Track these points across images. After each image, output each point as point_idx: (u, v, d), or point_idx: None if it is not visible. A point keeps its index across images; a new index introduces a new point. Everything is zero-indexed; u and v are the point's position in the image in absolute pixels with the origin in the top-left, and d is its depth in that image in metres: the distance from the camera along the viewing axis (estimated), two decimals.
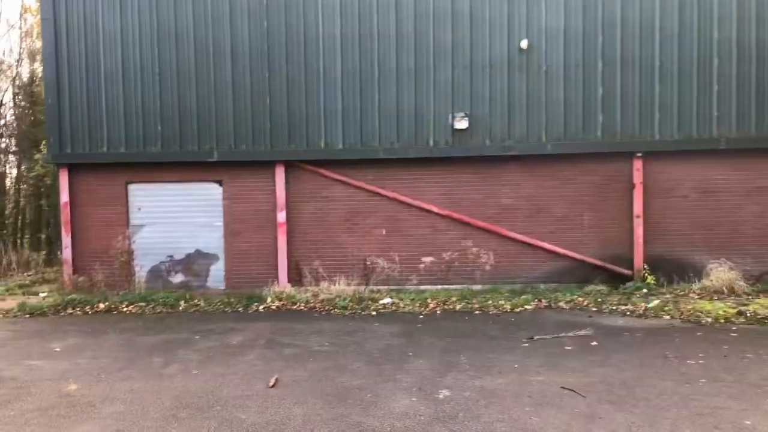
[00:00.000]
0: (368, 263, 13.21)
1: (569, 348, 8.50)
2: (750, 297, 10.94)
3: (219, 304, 11.77)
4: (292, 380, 7.31)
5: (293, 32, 13.34)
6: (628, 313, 10.44)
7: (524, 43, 13.00)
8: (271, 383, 7.11)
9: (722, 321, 9.65)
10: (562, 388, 6.89)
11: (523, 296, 11.44)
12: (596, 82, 13.03)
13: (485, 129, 13.20)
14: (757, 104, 12.69)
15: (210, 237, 13.60)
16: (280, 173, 13.37)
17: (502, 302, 11.19)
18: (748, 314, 9.81)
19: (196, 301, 11.93)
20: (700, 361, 7.78)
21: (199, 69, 13.40)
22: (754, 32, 12.67)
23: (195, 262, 13.68)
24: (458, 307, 11.09)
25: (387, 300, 11.37)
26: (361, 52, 13.23)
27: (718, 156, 12.87)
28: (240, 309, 11.63)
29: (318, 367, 7.83)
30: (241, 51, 13.35)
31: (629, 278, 12.76)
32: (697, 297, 11.10)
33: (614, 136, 13.04)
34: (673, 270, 12.65)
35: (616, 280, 12.74)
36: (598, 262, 13.07)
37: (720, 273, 11.36)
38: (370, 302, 11.32)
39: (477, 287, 12.93)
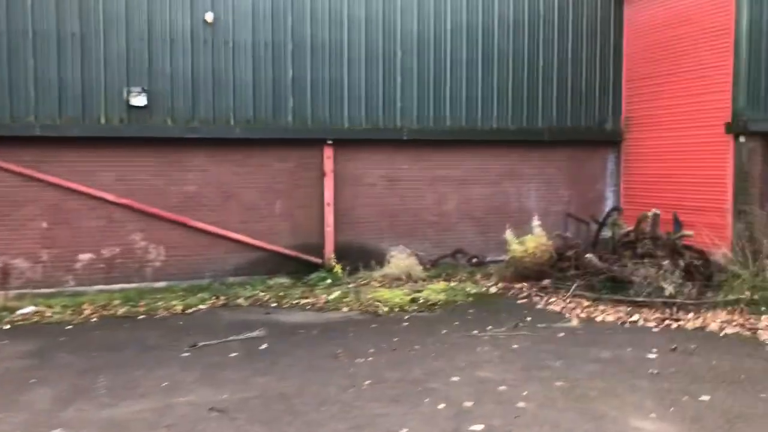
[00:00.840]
0: (8, 264, 10.73)
1: (235, 354, 7.37)
2: (425, 282, 10.86)
3: None
4: None
5: None
6: (308, 307, 9.66)
7: (209, 16, 11.55)
8: None
9: (397, 310, 9.33)
10: (211, 409, 5.69)
11: (199, 294, 10.07)
12: (287, 64, 12.08)
13: (167, 108, 11.51)
14: (434, 98, 12.77)
15: None
16: None
17: (175, 303, 9.70)
18: (421, 301, 9.64)
19: None
20: (370, 359, 7.17)
21: None
22: (432, 26, 12.69)
23: None
24: (121, 311, 9.35)
25: (29, 309, 9.17)
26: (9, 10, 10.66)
27: (403, 146, 12.75)
28: None
29: None
30: None
31: (322, 267, 12.09)
32: (378, 285, 10.76)
33: (305, 122, 12.24)
34: (362, 258, 12.26)
35: (309, 270, 11.98)
36: (291, 252, 12.21)
37: (399, 259, 11.14)
38: (5, 313, 9.02)
39: (158, 284, 11.27)
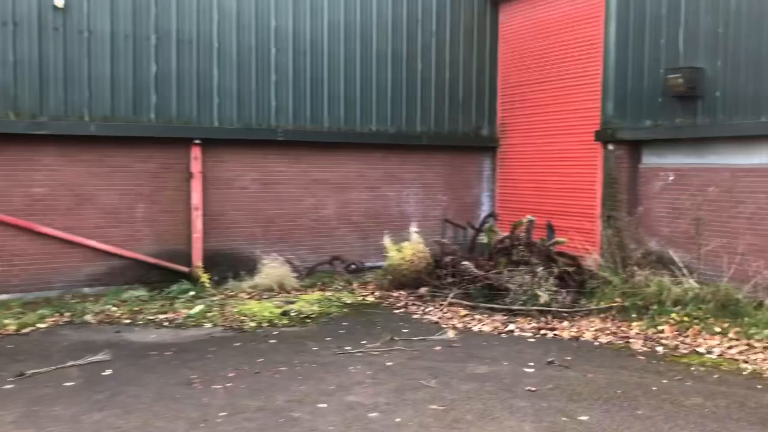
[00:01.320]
0: None
1: (71, 384, 6.23)
2: (299, 293, 10.02)
3: None
4: None
5: None
6: (166, 323, 8.54)
7: (59, 1, 10.14)
8: None
9: (266, 324, 8.40)
10: None
11: (39, 311, 8.66)
12: (149, 58, 10.86)
13: (9, 100, 9.99)
14: (312, 98, 11.97)
15: None
16: None
17: (8, 321, 8.27)
18: (292, 314, 8.77)
19: None
20: (228, 384, 6.25)
21: None
22: (309, 23, 11.89)
23: None
24: None
25: None
26: None
27: (279, 147, 11.85)
28: None
29: None
30: None
31: (188, 276, 10.96)
32: (247, 297, 9.76)
33: (170, 119, 11.06)
34: (234, 266, 11.24)
35: (175, 280, 10.81)
36: (154, 260, 10.98)
37: (272, 268, 10.17)
38: None
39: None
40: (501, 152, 13.64)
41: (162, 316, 8.75)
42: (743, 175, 9.46)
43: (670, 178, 10.48)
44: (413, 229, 9.83)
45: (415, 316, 8.76)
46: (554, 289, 8.06)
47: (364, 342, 7.55)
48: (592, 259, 9.14)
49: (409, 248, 9.38)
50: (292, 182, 12.04)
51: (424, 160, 13.19)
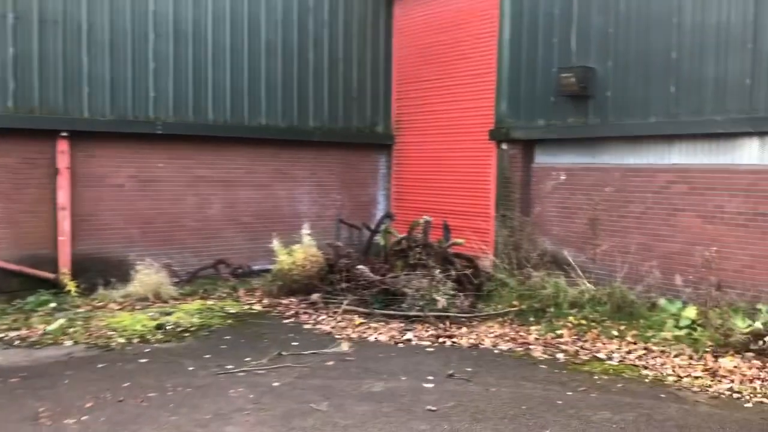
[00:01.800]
0: None
1: None
2: (178, 302, 8.91)
3: None
4: None
5: None
6: (17, 341, 7.19)
7: None
8: None
9: (137, 341, 7.26)
10: None
11: None
12: (5, 38, 9.36)
13: None
14: (194, 88, 10.83)
15: None
16: None
17: None
18: (169, 327, 7.67)
19: None
20: (84, 418, 5.18)
21: None
22: (191, 9, 10.74)
23: None
24: None
25: None
26: None
27: (158, 141, 10.63)
28: None
29: None
30: None
31: (55, 284, 9.57)
32: (118, 308, 8.53)
33: (32, 109, 9.60)
34: (107, 272, 9.92)
35: (39, 288, 9.38)
36: (13, 267, 9.49)
37: (147, 275, 8.93)
38: None
39: None
40: (397, 150, 13.05)
41: (13, 333, 7.37)
42: (633, 175, 9.33)
43: (562, 177, 10.25)
44: (305, 231, 8.94)
45: (307, 326, 7.89)
46: (452, 293, 7.50)
47: (248, 359, 6.62)
48: (489, 260, 8.67)
49: (300, 251, 8.50)
50: (173, 179, 10.86)
51: (317, 157, 12.37)
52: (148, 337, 7.38)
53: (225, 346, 7.13)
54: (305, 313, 8.31)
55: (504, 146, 10.82)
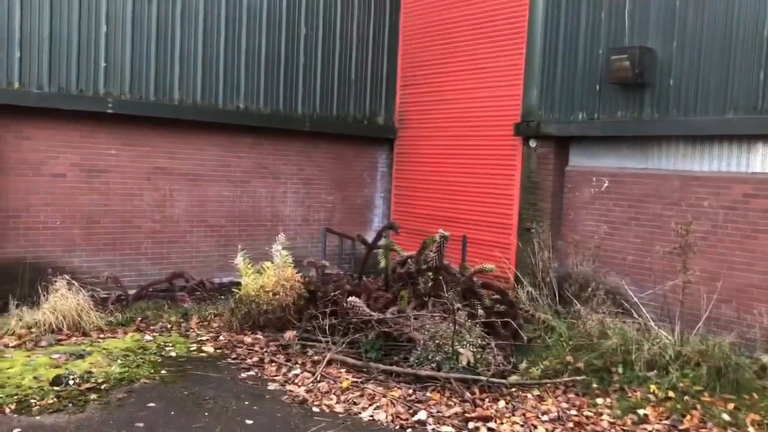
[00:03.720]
0: None
1: None
2: (103, 336, 6.57)
3: None
4: None
5: None
6: None
7: None
8: None
9: (13, 406, 4.82)
10: None
11: None
12: None
13: None
14: (157, 60, 8.76)
15: None
16: None
17: None
18: (72, 381, 5.30)
19: None
20: None
21: None
22: None
23: None
24: None
25: None
26: None
27: (110, 123, 8.59)
28: None
29: None
30: None
31: None
32: (14, 343, 6.14)
33: None
34: (41, 282, 7.85)
35: None
36: None
37: (62, 298, 6.57)
38: None
39: None
40: (400, 145, 11.03)
41: None
42: (698, 184, 7.37)
43: (605, 184, 8.28)
44: (278, 244, 6.72)
45: (273, 387, 5.47)
46: (481, 342, 5.37)
47: None
48: (517, 288, 6.54)
49: (272, 271, 6.38)
50: (128, 171, 8.81)
51: (306, 150, 10.34)
52: (32, 399, 4.95)
53: (141, 425, 4.66)
54: (273, 361, 5.98)
55: (532, 143, 8.84)
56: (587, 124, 8.25)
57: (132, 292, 8.19)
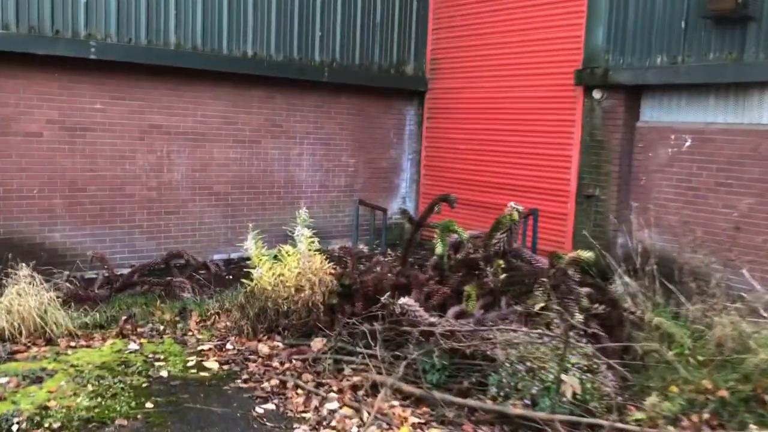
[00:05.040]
0: None
1: None
2: (76, 345, 4.95)
3: None
4: None
5: None
6: None
7: None
8: None
9: None
10: None
11: None
12: None
13: None
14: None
15: None
16: None
17: None
18: (16, 427, 3.65)
19: None
20: None
21: None
22: None
23: None
24: None
25: None
26: None
27: (94, 72, 7.17)
28: None
29: None
30: None
31: None
32: None
33: None
34: (14, 260, 6.53)
35: None
36: None
37: (19, 295, 4.87)
38: None
39: None
40: (432, 99, 9.56)
41: None
42: None
43: (687, 142, 6.85)
44: (301, 228, 5.07)
45: (301, 429, 3.83)
46: (586, 362, 3.86)
47: None
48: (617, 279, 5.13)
49: (294, 261, 4.88)
50: (117, 129, 7.42)
51: (324, 104, 8.92)
52: None
53: None
54: (298, 387, 4.33)
55: (596, 94, 7.39)
56: (669, 70, 6.77)
57: (124, 272, 6.87)
